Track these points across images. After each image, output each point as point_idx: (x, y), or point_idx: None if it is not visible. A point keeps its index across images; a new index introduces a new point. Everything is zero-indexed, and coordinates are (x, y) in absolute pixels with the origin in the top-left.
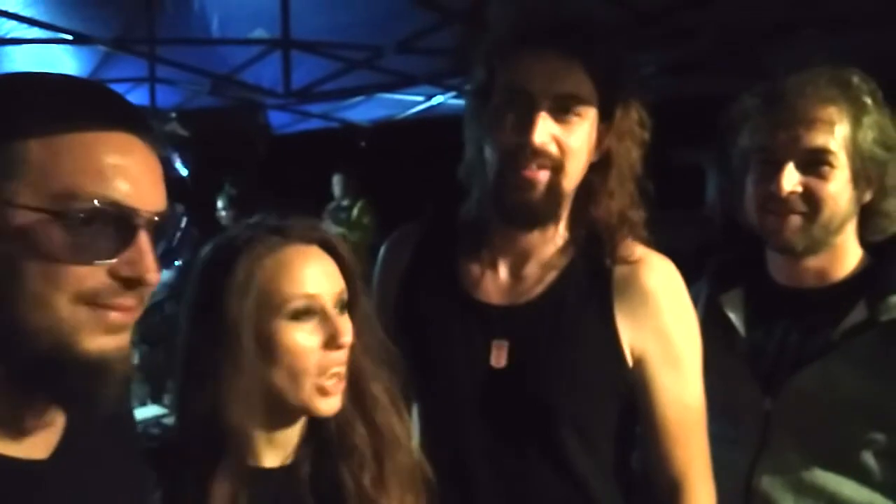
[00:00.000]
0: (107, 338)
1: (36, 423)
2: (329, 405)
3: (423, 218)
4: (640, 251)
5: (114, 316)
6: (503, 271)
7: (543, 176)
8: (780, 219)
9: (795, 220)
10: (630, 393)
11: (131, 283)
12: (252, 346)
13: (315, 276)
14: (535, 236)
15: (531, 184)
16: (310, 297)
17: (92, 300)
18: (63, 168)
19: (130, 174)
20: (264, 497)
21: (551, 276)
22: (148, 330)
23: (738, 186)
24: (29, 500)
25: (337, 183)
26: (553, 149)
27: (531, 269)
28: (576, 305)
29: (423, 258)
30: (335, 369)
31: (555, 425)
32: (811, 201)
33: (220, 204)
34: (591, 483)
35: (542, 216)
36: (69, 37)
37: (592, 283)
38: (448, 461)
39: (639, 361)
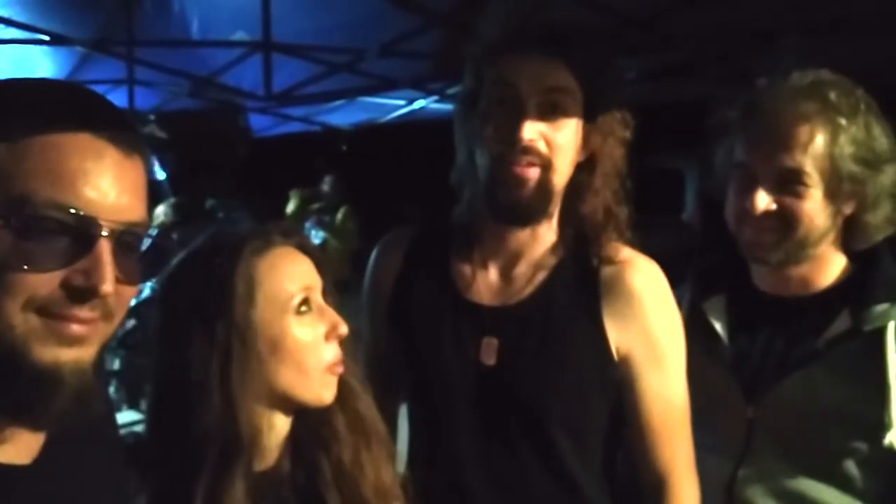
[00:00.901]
0: (62, 349)
1: (17, 429)
2: (332, 392)
3: (416, 220)
4: (626, 252)
5: (70, 328)
6: (494, 272)
7: (533, 173)
8: (754, 234)
9: (769, 236)
10: (617, 392)
11: (85, 294)
12: (261, 349)
13: (304, 271)
14: (525, 236)
15: (522, 181)
16: (307, 288)
17: (45, 309)
18: (22, 172)
19: (94, 181)
20: (258, 500)
21: (540, 276)
22: (125, 335)
23: (723, 194)
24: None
25: (327, 184)
26: (541, 146)
27: (521, 270)
28: (564, 305)
29: (415, 259)
30: (335, 358)
31: (543, 424)
32: (785, 219)
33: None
34: (580, 481)
35: (533, 213)
36: (46, 38)
37: (580, 284)
38: (439, 459)
39: (624, 360)
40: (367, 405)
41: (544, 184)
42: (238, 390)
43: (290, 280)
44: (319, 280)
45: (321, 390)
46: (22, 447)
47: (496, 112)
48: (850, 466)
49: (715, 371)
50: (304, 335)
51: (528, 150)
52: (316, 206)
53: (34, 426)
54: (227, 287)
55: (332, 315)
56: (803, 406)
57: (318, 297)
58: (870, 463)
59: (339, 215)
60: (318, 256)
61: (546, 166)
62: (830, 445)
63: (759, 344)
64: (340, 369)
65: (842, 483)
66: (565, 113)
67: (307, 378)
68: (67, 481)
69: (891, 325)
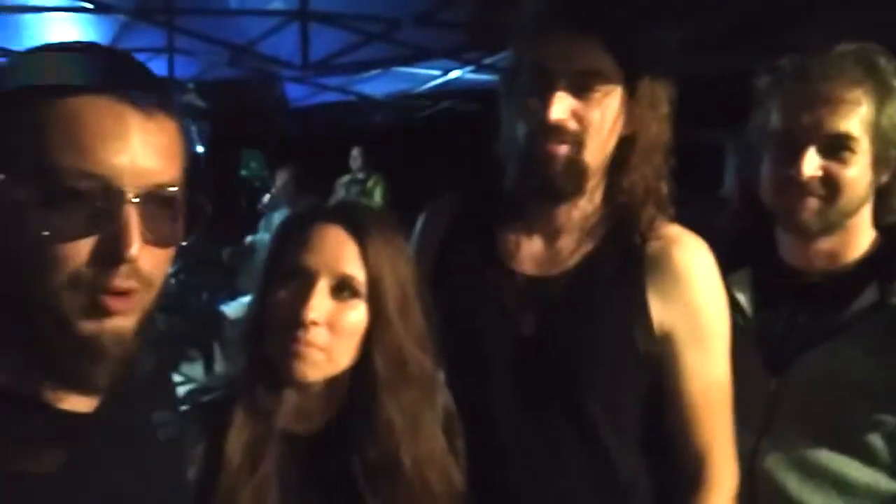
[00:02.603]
0: (102, 321)
1: (82, 384)
2: (297, 369)
3: (462, 189)
4: (674, 230)
5: (109, 301)
6: (538, 243)
7: (563, 150)
8: (796, 201)
9: (813, 203)
10: (657, 368)
11: (112, 260)
12: (256, 306)
13: (315, 249)
14: (568, 209)
15: (551, 158)
16: (298, 265)
17: (82, 280)
18: (45, 141)
19: (116, 145)
20: (292, 460)
21: (585, 249)
22: (164, 298)
23: (756, 164)
24: (76, 450)
25: (356, 156)
26: (572, 124)
27: (565, 242)
28: (607, 279)
29: (461, 227)
30: (302, 342)
31: (579, 396)
32: (830, 186)
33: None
34: (615, 454)
35: (564, 190)
36: (89, 5)
37: (624, 258)
38: (475, 428)
39: (666, 337)
40: (417, 443)
41: (575, 161)
42: (240, 343)
43: (288, 251)
44: (350, 268)
45: (285, 360)
46: (84, 398)
47: (530, 90)
48: (874, 440)
49: (738, 344)
50: (277, 298)
51: (557, 130)
52: (346, 178)
53: (91, 385)
54: (269, 254)
55: (307, 300)
56: (827, 379)
57: (321, 279)
58: (894, 436)
59: (370, 184)
60: (371, 246)
61: (576, 143)
62: (855, 419)
63: (783, 317)
64: (308, 348)
65: (865, 456)
66: (599, 90)
67: (275, 344)
68: (127, 429)
69: None
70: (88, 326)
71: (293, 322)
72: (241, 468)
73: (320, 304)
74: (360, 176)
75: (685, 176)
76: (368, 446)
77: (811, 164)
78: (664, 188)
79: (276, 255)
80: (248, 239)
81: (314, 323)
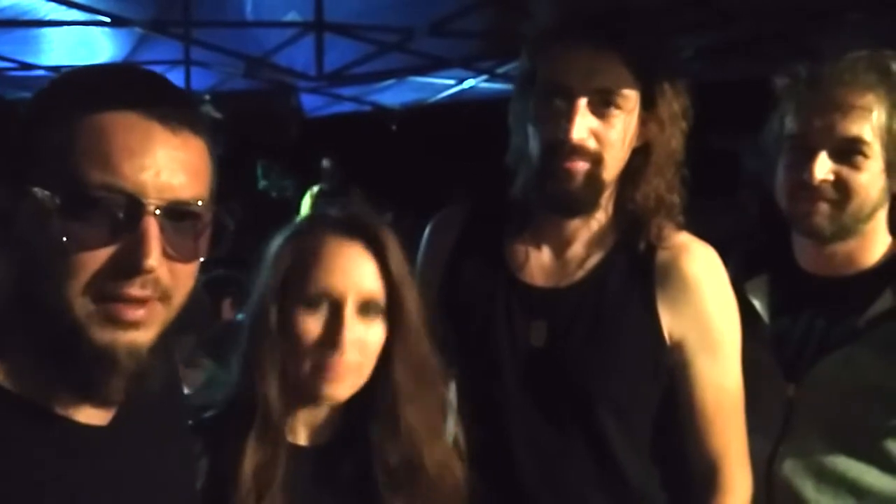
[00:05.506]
0: (118, 332)
1: (90, 396)
2: (330, 390)
3: (471, 200)
4: (683, 238)
5: (125, 311)
6: (547, 254)
7: (582, 167)
8: (809, 205)
9: (825, 208)
10: (668, 377)
11: (130, 270)
12: (274, 326)
13: (340, 271)
14: (579, 221)
15: (571, 175)
16: (325, 289)
17: (99, 290)
18: (73, 154)
19: (141, 160)
20: (298, 473)
21: (594, 260)
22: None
23: (770, 169)
24: (88, 462)
25: (326, 168)
26: (592, 143)
27: (574, 253)
28: (617, 289)
29: (469, 239)
30: (338, 364)
31: (591, 406)
32: (842, 190)
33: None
34: (627, 464)
35: (581, 206)
36: (106, 19)
37: (634, 268)
38: (487, 438)
39: (677, 346)
40: (422, 444)
41: (593, 177)
42: (255, 363)
43: (313, 274)
44: (371, 285)
45: (315, 383)
46: (99, 410)
47: (548, 106)
48: (891, 445)
49: (755, 351)
50: (305, 326)
51: (578, 148)
52: (317, 189)
53: (104, 396)
54: (268, 262)
55: (340, 323)
56: (844, 385)
57: (346, 301)
58: None
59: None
60: (391, 260)
61: (596, 161)
62: (871, 424)
63: (800, 323)
64: (342, 368)
65: (882, 462)
66: (617, 107)
67: (301, 366)
68: (141, 443)
69: None
70: (103, 336)
71: (327, 345)
72: (250, 483)
73: (352, 326)
74: (327, 188)
75: (700, 182)
76: (391, 452)
77: (823, 168)
78: (675, 199)
79: (292, 274)
80: None
81: (349, 346)
